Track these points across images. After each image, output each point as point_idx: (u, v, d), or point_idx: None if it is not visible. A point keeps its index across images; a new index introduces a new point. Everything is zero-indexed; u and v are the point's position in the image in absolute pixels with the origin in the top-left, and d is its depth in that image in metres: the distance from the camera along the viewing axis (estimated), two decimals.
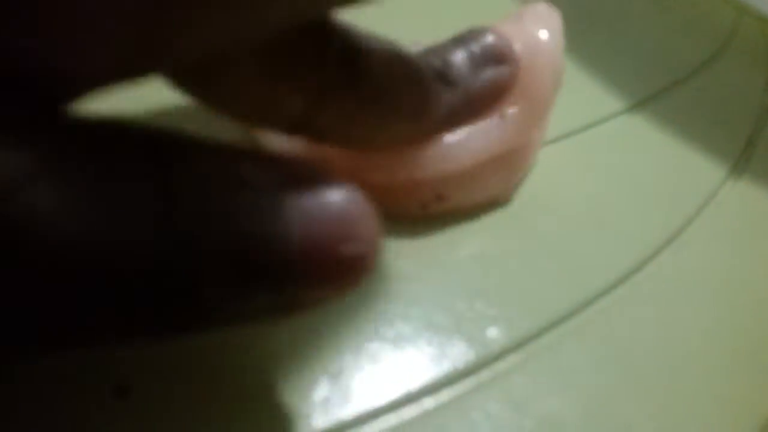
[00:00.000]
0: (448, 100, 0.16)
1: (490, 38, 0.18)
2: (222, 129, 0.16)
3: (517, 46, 0.18)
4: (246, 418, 0.13)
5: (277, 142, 0.17)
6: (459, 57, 0.17)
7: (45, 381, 0.13)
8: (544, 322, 0.17)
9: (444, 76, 0.16)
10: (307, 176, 0.10)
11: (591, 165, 0.24)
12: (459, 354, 0.16)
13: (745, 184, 0.25)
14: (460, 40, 0.18)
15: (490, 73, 0.18)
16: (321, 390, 0.14)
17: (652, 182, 0.24)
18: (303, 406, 0.14)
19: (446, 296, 0.17)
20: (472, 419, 0.15)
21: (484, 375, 0.16)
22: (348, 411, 0.14)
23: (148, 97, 0.18)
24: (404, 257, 0.18)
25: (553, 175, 0.23)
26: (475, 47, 0.18)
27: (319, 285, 0.10)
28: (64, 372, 0.13)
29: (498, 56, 0.18)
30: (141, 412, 0.13)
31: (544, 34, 0.19)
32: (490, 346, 0.16)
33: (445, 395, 0.15)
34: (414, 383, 0.15)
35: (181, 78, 0.13)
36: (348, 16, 0.14)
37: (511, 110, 0.18)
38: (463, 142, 0.17)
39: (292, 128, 0.14)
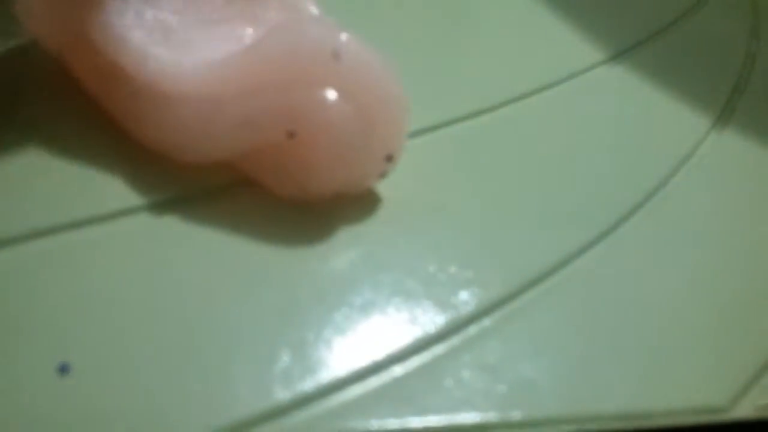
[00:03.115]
0: None
1: None
2: None
3: None
4: (203, 392, 0.13)
5: None
6: None
7: None
8: (518, 283, 0.16)
9: None
10: None
11: (570, 117, 0.23)
12: (429, 319, 0.15)
13: (730, 135, 0.24)
14: None
15: None
16: (281, 361, 0.14)
17: (634, 134, 0.23)
18: (263, 378, 0.13)
19: (417, 260, 0.16)
20: (443, 386, 0.14)
21: (456, 340, 0.15)
22: (311, 383, 0.13)
23: None
24: (372, 221, 0.17)
25: (531, 127, 0.22)
26: None
27: None
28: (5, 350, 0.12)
29: None
30: (84, 389, 0.12)
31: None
32: (461, 309, 0.16)
33: (415, 362, 0.15)
34: (382, 351, 0.14)
35: None
36: None
37: None
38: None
39: None
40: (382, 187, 0.17)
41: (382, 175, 0.17)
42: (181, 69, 0.15)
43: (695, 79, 0.27)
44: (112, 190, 0.16)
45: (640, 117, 0.24)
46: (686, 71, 0.27)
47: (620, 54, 0.27)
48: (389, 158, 0.16)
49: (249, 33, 0.17)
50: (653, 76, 0.26)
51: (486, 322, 0.15)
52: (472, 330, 0.15)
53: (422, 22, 0.25)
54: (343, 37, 0.15)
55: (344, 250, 0.16)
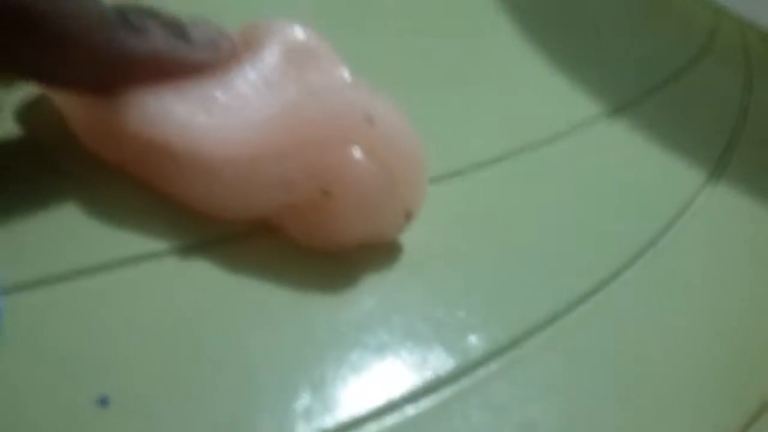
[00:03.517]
0: (128, 42, 0.16)
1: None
2: None
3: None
4: (230, 427, 0.14)
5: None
6: (169, 20, 0.17)
7: (25, 393, 0.13)
8: (523, 329, 0.17)
9: (127, 22, 0.16)
10: None
11: (573, 168, 0.24)
12: (440, 362, 0.16)
13: (725, 188, 0.25)
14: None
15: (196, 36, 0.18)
16: (303, 399, 0.14)
17: (632, 187, 0.24)
18: (286, 414, 0.14)
19: (428, 305, 0.17)
20: (453, 426, 0.15)
21: (465, 382, 0.16)
22: (330, 420, 0.14)
23: None
24: (386, 268, 0.18)
25: (535, 178, 0.23)
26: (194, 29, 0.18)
27: None
28: (45, 383, 0.13)
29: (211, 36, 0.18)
30: (122, 422, 0.13)
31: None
32: (470, 353, 0.16)
33: (426, 403, 0.15)
34: (396, 391, 0.15)
35: None
36: None
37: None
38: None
39: None
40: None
41: (400, 229, 0.18)
42: (223, 134, 0.16)
43: (691, 133, 0.28)
44: (142, 234, 0.17)
45: (639, 169, 0.25)
46: (682, 125, 0.29)
47: (620, 109, 0.28)
48: (408, 215, 0.17)
49: (289, 95, 0.18)
50: (651, 130, 0.27)
51: (493, 365, 0.16)
52: (481, 373, 0.16)
53: (435, 79, 0.27)
54: (377, 102, 0.16)
55: (360, 294, 0.17)
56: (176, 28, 0.17)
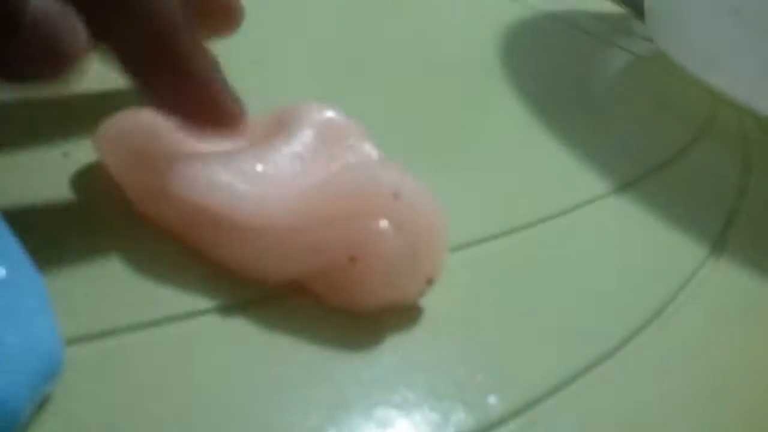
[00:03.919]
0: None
1: None
2: None
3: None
4: None
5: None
6: None
7: None
8: (539, 392, 0.18)
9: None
10: None
11: (580, 242, 0.25)
12: (461, 420, 0.17)
13: (725, 264, 0.27)
14: None
15: None
16: None
17: (637, 260, 0.26)
18: None
19: (447, 365, 0.18)
20: None
21: None
22: None
23: None
24: (407, 328, 0.19)
25: (544, 251, 0.24)
26: None
27: None
28: None
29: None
30: None
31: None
32: (490, 413, 0.17)
33: None
34: None
35: None
36: None
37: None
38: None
39: None
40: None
41: (422, 294, 0.19)
42: (262, 203, 0.18)
43: (692, 210, 0.30)
44: (186, 294, 0.18)
45: (643, 244, 0.27)
46: (684, 203, 0.30)
47: (623, 187, 0.30)
48: (429, 281, 0.19)
49: (321, 170, 0.20)
50: (654, 206, 0.29)
51: (512, 425, 0.17)
52: None
53: (455, 155, 0.29)
54: (403, 179, 0.18)
55: (383, 353, 0.18)
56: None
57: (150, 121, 0.19)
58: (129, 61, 0.18)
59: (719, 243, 0.28)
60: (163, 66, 0.18)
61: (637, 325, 0.22)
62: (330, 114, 0.22)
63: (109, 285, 0.18)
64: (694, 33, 0.41)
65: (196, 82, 0.18)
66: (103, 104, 0.22)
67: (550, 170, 0.30)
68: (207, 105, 0.18)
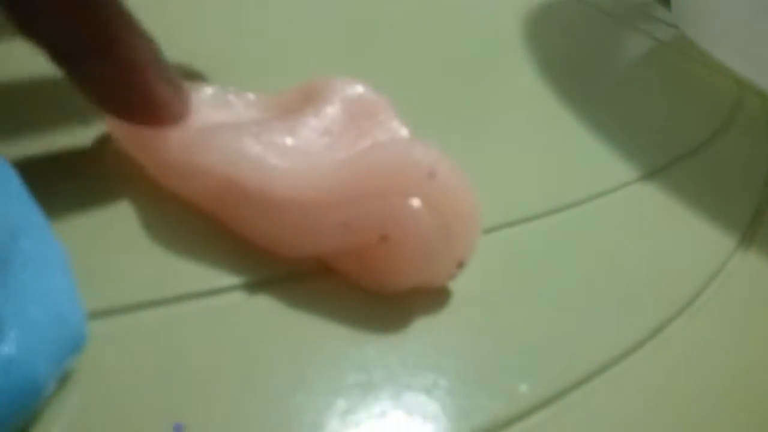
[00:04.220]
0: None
1: None
2: None
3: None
4: None
5: None
6: None
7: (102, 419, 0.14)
8: (571, 379, 0.18)
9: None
10: None
11: (607, 230, 0.25)
12: (491, 407, 0.17)
13: (754, 255, 0.26)
14: None
15: None
16: None
17: (666, 250, 0.25)
18: None
19: (476, 350, 0.18)
20: None
21: (515, 429, 0.16)
22: None
23: None
24: (436, 310, 0.18)
25: (573, 237, 0.24)
26: None
27: None
28: (123, 410, 0.14)
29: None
30: None
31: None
32: (520, 401, 0.17)
33: None
34: None
35: None
36: None
37: None
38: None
39: None
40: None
41: (452, 278, 0.18)
42: (292, 176, 0.17)
43: (720, 199, 0.29)
44: (211, 270, 0.17)
45: (671, 234, 0.26)
46: (711, 192, 0.30)
47: (650, 175, 0.29)
48: (460, 264, 0.18)
49: (351, 146, 0.19)
50: (681, 195, 0.28)
51: (543, 414, 0.17)
52: (531, 421, 0.17)
53: (486, 138, 0.28)
54: (440, 160, 0.17)
55: (411, 336, 0.18)
56: None
57: None
58: (53, 47, 0.16)
59: (748, 233, 0.27)
60: (90, 49, 0.16)
61: (667, 316, 0.21)
62: (359, 89, 0.21)
63: (133, 260, 0.17)
64: (722, 19, 0.40)
65: (126, 68, 0.16)
66: None
67: (575, 155, 0.29)
68: (135, 94, 0.17)
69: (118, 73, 0.17)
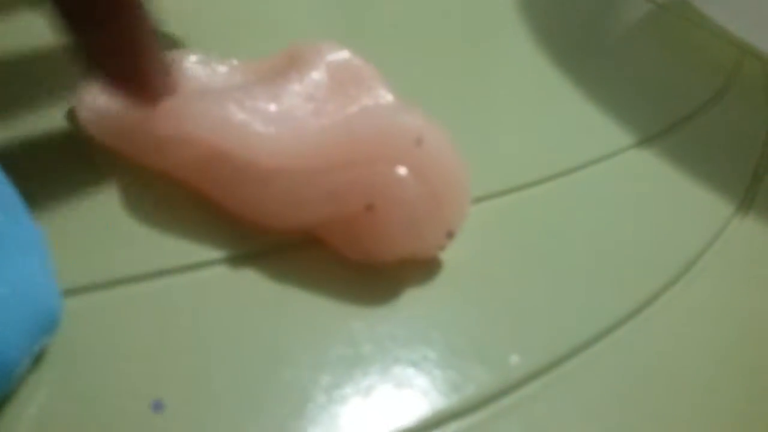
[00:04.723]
0: None
1: None
2: None
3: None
4: None
5: None
6: None
7: (80, 396, 0.13)
8: (563, 350, 0.18)
9: None
10: None
11: (602, 197, 0.24)
12: (480, 379, 0.16)
13: (753, 220, 0.26)
14: None
15: None
16: (350, 411, 0.15)
17: (662, 216, 0.24)
18: (333, 427, 0.14)
19: (467, 322, 0.17)
20: None
21: (506, 402, 0.16)
22: None
23: None
24: (426, 282, 0.18)
25: (566, 204, 0.23)
26: None
27: None
28: (104, 387, 0.13)
29: None
30: (176, 426, 0.13)
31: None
32: (510, 373, 0.17)
33: (468, 420, 0.15)
34: (439, 406, 0.15)
35: None
36: None
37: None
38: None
39: None
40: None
41: (441, 248, 0.18)
42: (277, 144, 0.17)
43: (717, 165, 0.29)
44: (193, 244, 0.17)
45: (667, 201, 0.26)
46: (708, 157, 0.29)
47: (647, 140, 0.28)
48: (449, 234, 0.18)
49: (337, 112, 0.18)
50: (677, 161, 0.28)
51: (534, 386, 0.17)
52: (522, 393, 0.16)
53: (475, 103, 0.27)
54: (428, 126, 0.17)
55: (401, 309, 0.17)
56: None
57: None
58: (67, 14, 0.16)
59: (746, 199, 0.27)
60: (98, 17, 0.16)
61: (662, 284, 0.21)
62: (345, 55, 0.20)
63: (112, 235, 0.17)
64: None
65: (128, 46, 0.17)
66: None
67: (570, 122, 0.28)
68: (132, 70, 0.17)
69: (121, 42, 0.16)
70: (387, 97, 0.20)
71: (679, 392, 0.18)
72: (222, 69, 0.20)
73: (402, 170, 0.16)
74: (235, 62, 0.20)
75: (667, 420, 0.17)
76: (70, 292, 0.15)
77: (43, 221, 0.15)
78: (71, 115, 0.19)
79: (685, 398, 0.18)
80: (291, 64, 0.20)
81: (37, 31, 0.21)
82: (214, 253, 0.17)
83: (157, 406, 0.13)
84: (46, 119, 0.19)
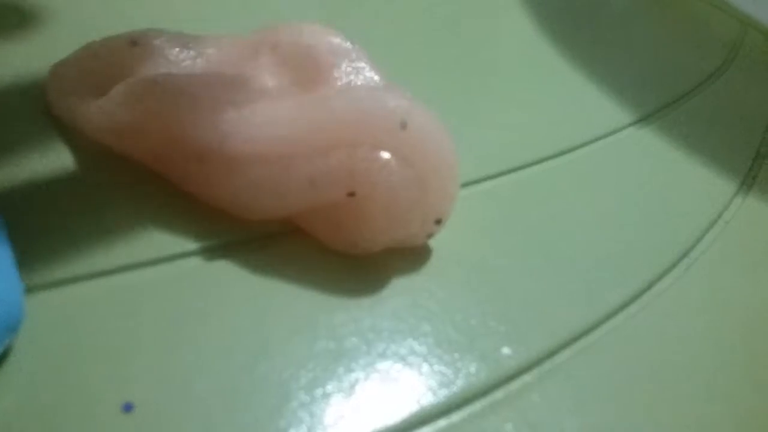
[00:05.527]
0: None
1: None
2: None
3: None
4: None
5: None
6: None
7: (47, 396, 0.12)
8: (557, 340, 0.17)
9: None
10: None
11: (598, 179, 0.23)
12: (472, 372, 0.16)
13: (754, 200, 0.25)
14: None
15: None
16: (334, 409, 0.14)
17: (661, 197, 0.24)
18: (315, 425, 0.13)
19: (457, 312, 0.17)
20: None
21: (498, 394, 0.15)
22: (361, 431, 0.14)
23: None
24: (416, 273, 0.17)
25: (561, 187, 0.22)
26: None
27: None
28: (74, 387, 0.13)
29: None
30: (147, 427, 0.12)
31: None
32: (503, 364, 0.16)
33: (458, 416, 0.15)
34: (427, 403, 0.15)
35: None
36: None
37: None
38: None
39: None
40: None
41: (430, 236, 0.17)
42: (252, 130, 0.16)
43: (718, 143, 0.28)
44: (168, 236, 0.16)
45: (666, 181, 0.25)
46: (711, 135, 0.28)
47: (647, 117, 0.28)
48: (438, 221, 0.17)
49: (318, 95, 0.17)
50: (677, 140, 0.27)
51: (527, 377, 0.16)
52: (515, 385, 0.16)
53: (464, 84, 0.26)
54: (413, 108, 0.16)
55: (388, 300, 0.17)
56: None
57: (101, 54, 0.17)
58: None
59: (748, 178, 0.26)
60: None
61: (660, 269, 0.20)
62: (327, 35, 0.19)
63: (79, 229, 0.16)
64: None
65: None
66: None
67: (566, 100, 0.27)
68: None
69: None
70: (374, 78, 0.19)
71: (679, 377, 0.17)
72: (197, 48, 0.19)
73: (386, 155, 0.16)
74: (210, 41, 0.19)
75: (663, 410, 0.16)
76: (35, 288, 0.14)
77: (5, 214, 0.14)
78: (37, 101, 0.18)
79: (685, 383, 0.17)
80: (271, 45, 0.19)
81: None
82: (187, 245, 0.16)
83: (128, 409, 0.12)
84: (9, 107, 0.18)
